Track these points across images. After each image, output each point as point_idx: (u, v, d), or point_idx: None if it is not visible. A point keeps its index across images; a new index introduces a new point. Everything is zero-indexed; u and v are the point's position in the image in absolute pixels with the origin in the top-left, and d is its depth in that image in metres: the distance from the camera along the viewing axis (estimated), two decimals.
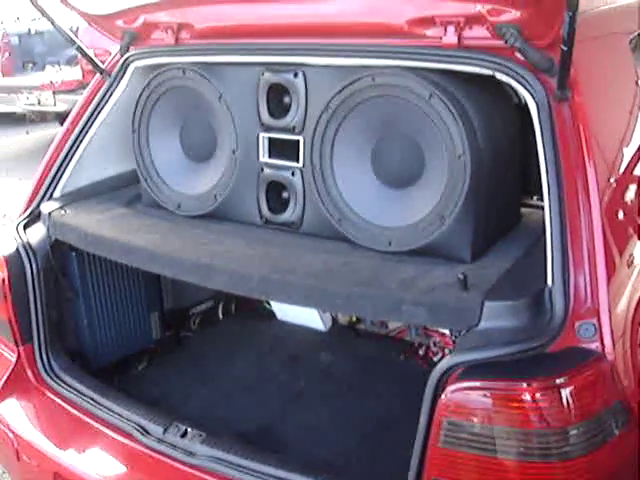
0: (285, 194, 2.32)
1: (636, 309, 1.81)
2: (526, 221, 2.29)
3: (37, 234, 2.51)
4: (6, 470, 2.75)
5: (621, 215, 1.91)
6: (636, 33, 2.49)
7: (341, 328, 3.10)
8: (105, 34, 2.68)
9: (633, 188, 2.05)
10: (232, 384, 2.71)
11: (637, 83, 2.35)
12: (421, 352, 2.85)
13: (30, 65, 11.23)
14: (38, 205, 2.60)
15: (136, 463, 2.15)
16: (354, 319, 3.07)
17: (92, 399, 2.31)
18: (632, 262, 1.87)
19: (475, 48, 1.94)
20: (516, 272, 1.91)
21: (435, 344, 2.79)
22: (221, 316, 3.22)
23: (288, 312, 3.11)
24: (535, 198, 2.33)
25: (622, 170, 2.01)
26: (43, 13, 2.51)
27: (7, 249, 2.43)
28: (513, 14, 1.82)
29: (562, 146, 1.79)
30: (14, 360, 2.45)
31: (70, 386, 2.39)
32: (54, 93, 9.44)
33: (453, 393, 1.61)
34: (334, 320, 3.10)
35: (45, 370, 2.44)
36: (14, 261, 2.41)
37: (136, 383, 2.68)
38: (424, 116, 1.97)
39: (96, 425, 2.26)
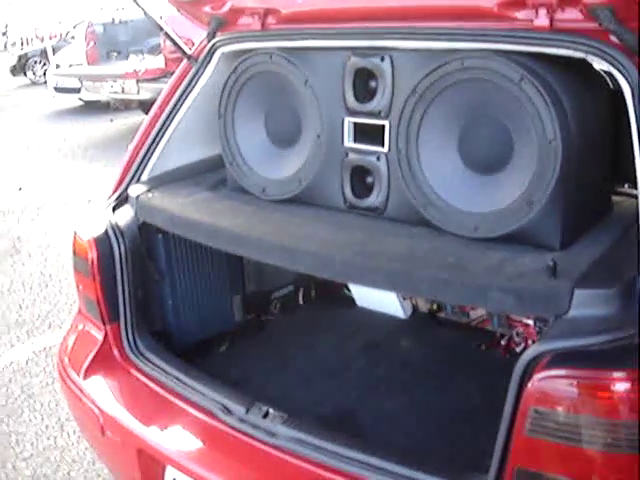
0: (369, 179, 2.31)
1: None
2: (618, 209, 2.22)
3: (125, 216, 2.57)
4: (91, 445, 2.83)
5: None
6: None
7: (421, 316, 3.08)
8: (192, 20, 2.72)
9: None
10: (312, 368, 2.72)
11: None
12: (503, 342, 2.80)
13: (114, 54, 11.51)
14: (126, 188, 2.65)
15: (218, 441, 2.18)
16: (435, 307, 3.05)
17: (176, 378, 2.35)
18: None
19: (567, 31, 1.89)
20: (607, 260, 1.86)
21: (518, 335, 2.74)
22: (301, 301, 3.24)
23: (368, 299, 3.11)
24: (627, 186, 2.27)
25: None
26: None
27: (96, 231, 2.49)
28: None
29: None
30: (101, 338, 2.52)
31: (155, 365, 2.44)
32: (137, 81, 9.66)
33: (540, 381, 1.59)
34: (414, 308, 3.08)
35: (131, 349, 2.50)
36: (103, 242, 2.47)
37: (218, 364, 2.72)
38: (514, 100, 1.93)
39: (179, 403, 2.30)
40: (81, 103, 13.30)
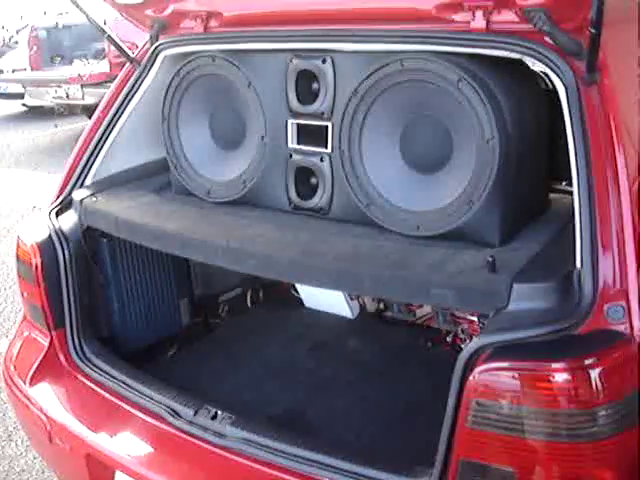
0: (314, 180, 2.33)
1: None
2: (555, 206, 2.29)
3: (69, 221, 2.55)
4: (38, 453, 2.80)
5: None
6: None
7: (368, 315, 3.11)
8: (135, 23, 2.71)
9: None
10: (261, 370, 2.73)
11: None
12: (449, 339, 2.86)
13: (58, 59, 11.33)
14: (70, 193, 2.63)
15: (167, 445, 2.17)
16: (381, 306, 3.09)
17: (123, 382, 2.34)
18: None
19: (503, 32, 1.94)
20: (545, 255, 1.91)
21: (463, 331, 2.79)
22: (249, 304, 3.25)
23: (316, 299, 3.13)
24: (564, 183, 2.33)
25: None
26: (75, 4, 2.54)
27: (40, 236, 2.47)
28: None
29: (591, 130, 1.78)
30: (47, 345, 2.49)
31: (101, 370, 2.42)
32: (82, 86, 9.53)
33: (482, 374, 1.62)
34: (362, 307, 3.11)
35: (77, 354, 2.48)
36: (47, 248, 2.45)
37: (166, 368, 2.71)
38: (453, 100, 1.97)
39: (127, 408, 2.29)
40: (25, 109, 13.08)
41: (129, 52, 2.70)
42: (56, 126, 11.40)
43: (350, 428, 2.37)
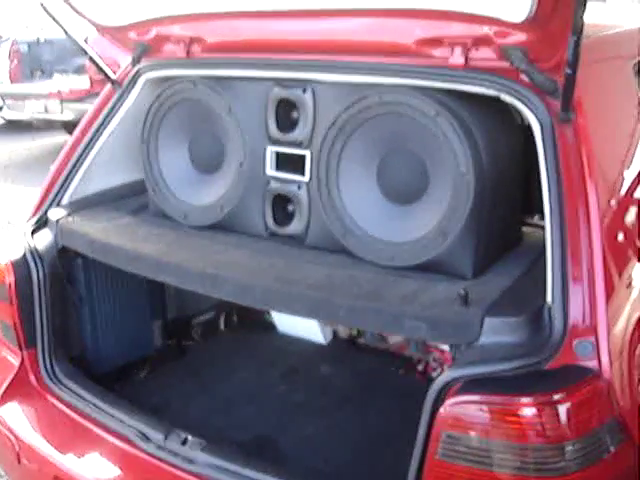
0: (291, 207, 2.35)
1: (634, 329, 1.84)
2: (527, 239, 2.32)
3: (44, 240, 2.54)
4: (6, 473, 2.76)
5: (621, 237, 1.94)
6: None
7: (341, 342, 3.13)
8: (117, 45, 2.72)
9: (634, 211, 2.08)
10: (232, 394, 2.73)
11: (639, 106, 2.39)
12: (420, 367, 2.87)
13: (38, 73, 11.29)
14: (46, 211, 2.63)
15: (136, 469, 2.16)
16: (354, 333, 3.10)
17: (94, 404, 2.33)
18: (631, 283, 1.90)
19: (481, 69, 1.97)
20: (516, 289, 1.93)
21: (434, 360, 2.82)
22: (223, 327, 3.25)
23: (289, 325, 3.14)
24: (537, 217, 2.36)
25: (623, 192, 2.04)
26: (57, 22, 2.54)
27: (14, 254, 2.46)
28: (519, 37, 1.85)
29: (564, 167, 1.82)
30: (17, 364, 2.47)
31: (72, 391, 2.41)
32: (61, 101, 9.49)
33: (452, 406, 1.64)
34: (334, 334, 3.12)
35: (48, 375, 2.46)
36: (21, 266, 2.44)
37: (137, 390, 2.70)
38: (430, 134, 2.00)
39: (97, 430, 2.27)
40: (3, 122, 13.00)
41: (111, 74, 2.71)
42: (33, 139, 11.33)
43: (320, 455, 2.37)
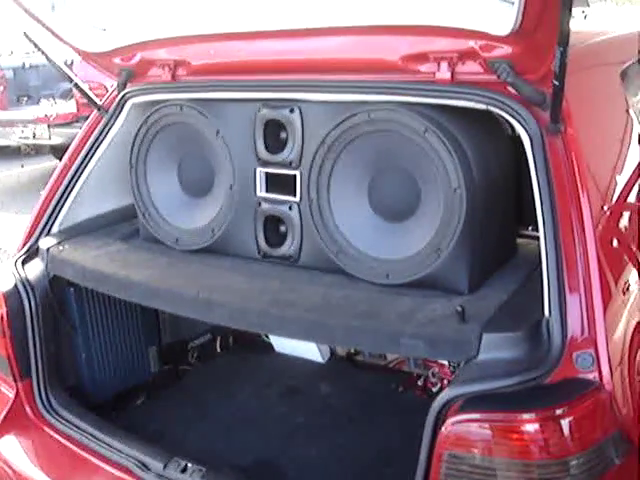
0: (283, 228, 2.33)
1: (632, 336, 1.82)
2: (522, 251, 2.31)
3: (35, 270, 2.52)
4: None
5: (615, 243, 1.94)
6: (628, 64, 2.54)
7: (339, 360, 3.10)
8: (102, 71, 2.71)
9: (627, 216, 2.08)
10: (231, 418, 2.70)
11: (627, 112, 2.38)
12: (420, 383, 2.85)
13: (25, 98, 11.27)
14: (36, 241, 2.61)
15: None
16: (352, 351, 3.07)
17: (91, 435, 2.30)
18: (627, 289, 1.89)
19: (468, 83, 1.97)
20: (513, 303, 1.92)
21: (434, 375, 2.79)
22: (219, 349, 3.22)
23: (286, 344, 3.12)
24: (530, 228, 2.35)
25: (615, 198, 2.04)
26: (41, 50, 2.54)
27: (6, 285, 2.44)
28: (505, 50, 1.85)
29: (556, 177, 1.82)
30: (12, 396, 2.45)
31: (69, 422, 2.38)
32: (49, 126, 9.45)
33: (454, 425, 1.62)
34: (332, 352, 3.10)
35: (44, 406, 2.44)
36: (13, 297, 2.42)
37: (135, 417, 2.68)
38: (419, 150, 1.99)
39: (95, 461, 2.24)
40: None
41: (97, 100, 2.70)
42: (22, 166, 11.31)
43: (322, 477, 2.34)
